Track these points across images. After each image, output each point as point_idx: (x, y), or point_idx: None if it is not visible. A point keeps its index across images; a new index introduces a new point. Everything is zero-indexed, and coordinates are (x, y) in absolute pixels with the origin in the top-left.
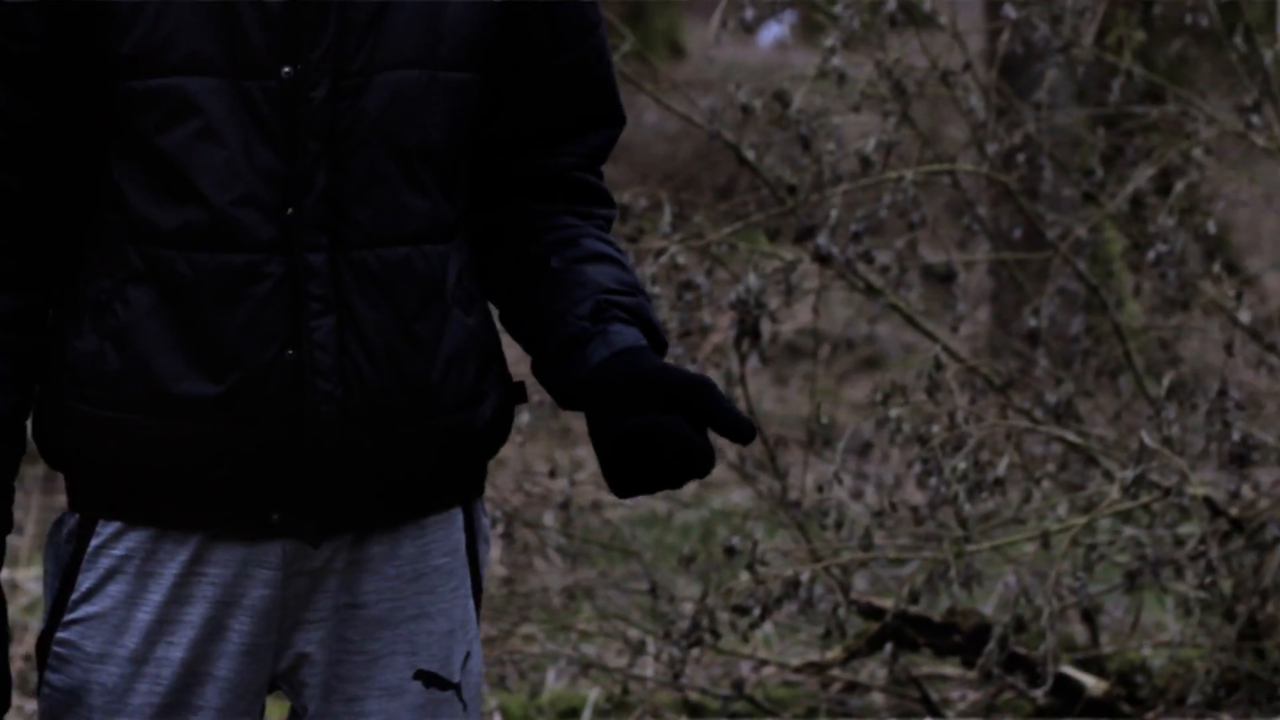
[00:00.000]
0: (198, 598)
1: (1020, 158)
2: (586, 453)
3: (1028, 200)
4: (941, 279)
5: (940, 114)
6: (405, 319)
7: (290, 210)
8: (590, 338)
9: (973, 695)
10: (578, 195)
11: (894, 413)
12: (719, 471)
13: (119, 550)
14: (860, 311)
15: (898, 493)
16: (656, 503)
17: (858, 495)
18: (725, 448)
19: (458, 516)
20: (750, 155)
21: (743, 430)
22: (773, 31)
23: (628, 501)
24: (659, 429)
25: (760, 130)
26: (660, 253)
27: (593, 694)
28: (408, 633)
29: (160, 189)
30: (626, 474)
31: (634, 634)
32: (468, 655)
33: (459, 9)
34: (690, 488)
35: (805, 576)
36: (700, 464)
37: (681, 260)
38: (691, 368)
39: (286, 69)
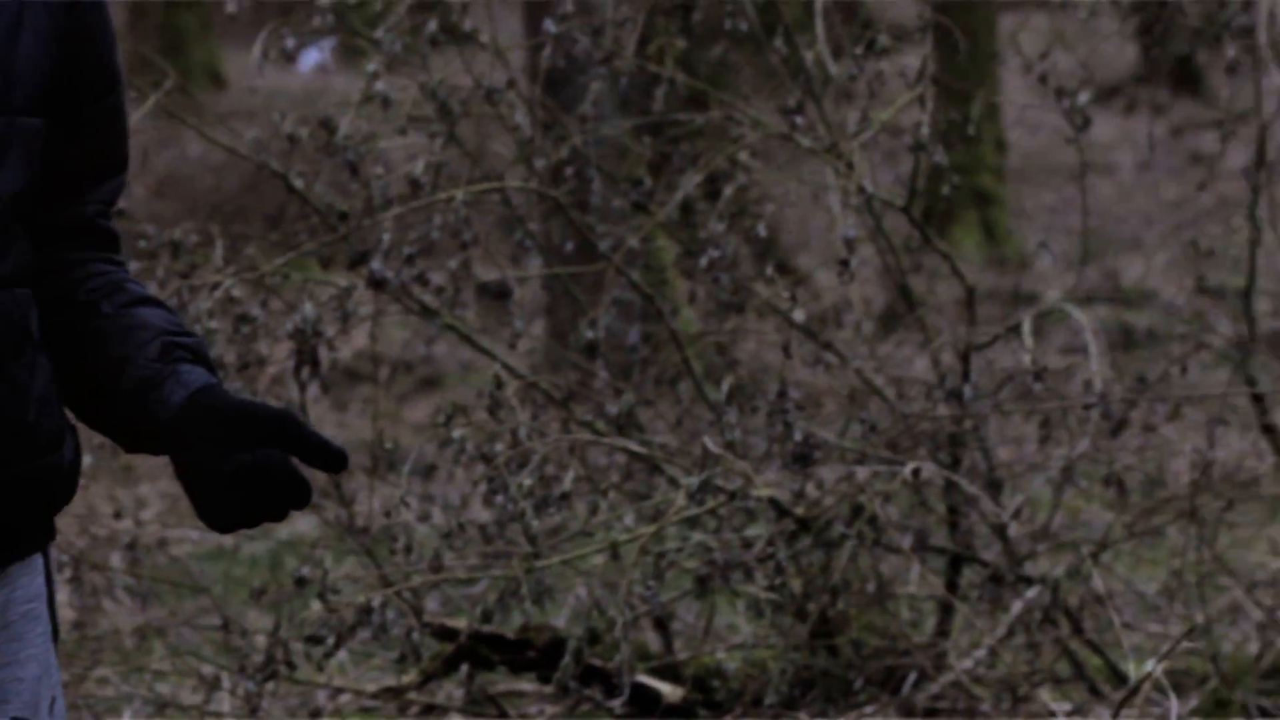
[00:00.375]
0: None
1: (569, 171)
2: (149, 491)
3: (578, 213)
4: (496, 295)
5: (487, 131)
6: (1, 362)
7: None
8: (163, 379)
9: (551, 709)
10: (104, 242)
11: (457, 433)
12: None
13: None
14: (417, 333)
15: (465, 512)
16: (222, 537)
17: (425, 517)
18: None
19: (39, 560)
20: (299, 184)
21: (335, 459)
22: (313, 58)
23: (194, 536)
24: (265, 464)
25: (308, 158)
26: (215, 287)
27: None
28: (0, 682)
29: None
30: (228, 510)
31: (208, 670)
32: (54, 700)
33: (28, 53)
34: None
35: (377, 602)
36: (302, 495)
37: (236, 293)
38: None
39: None
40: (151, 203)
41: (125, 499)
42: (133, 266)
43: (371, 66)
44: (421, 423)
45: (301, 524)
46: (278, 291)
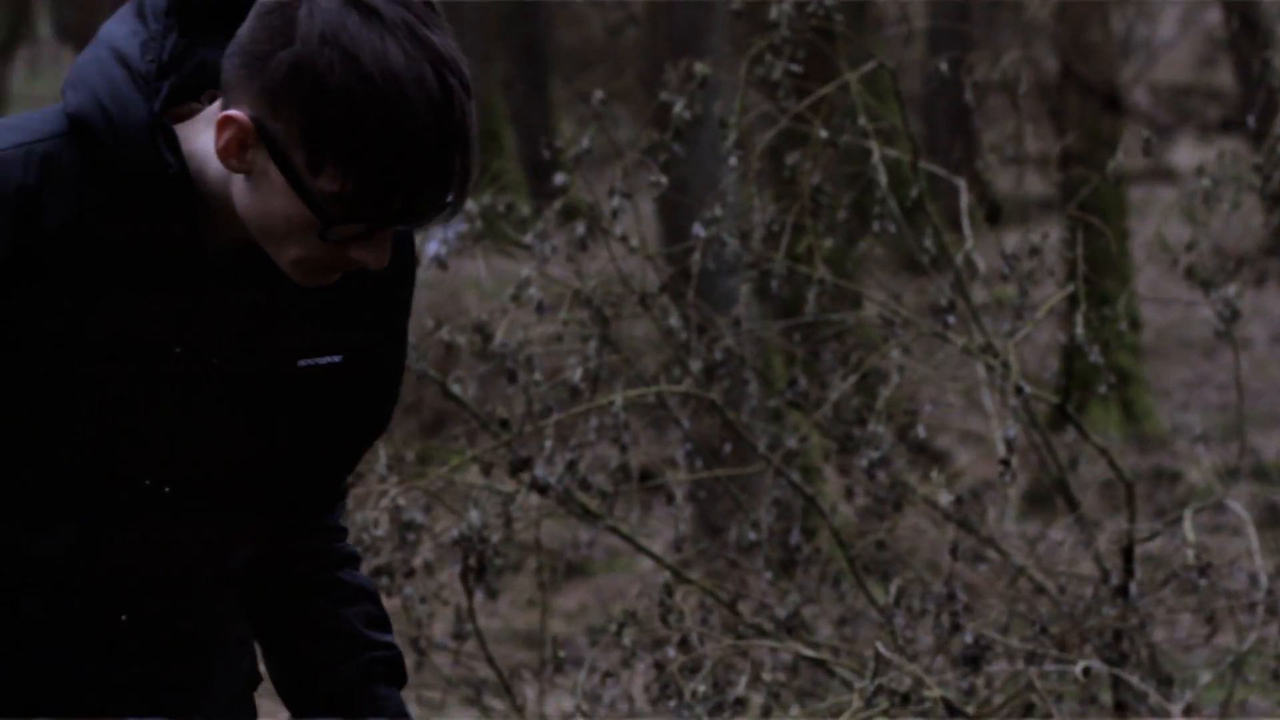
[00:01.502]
0: None
1: (722, 372)
2: None
3: (734, 413)
4: (648, 488)
5: (634, 329)
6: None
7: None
8: (358, 701)
9: None
10: (330, 505)
11: (628, 640)
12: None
13: None
14: (575, 530)
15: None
16: None
17: None
18: None
19: None
20: (456, 389)
21: None
22: (433, 247)
23: None
24: None
25: (462, 361)
26: (382, 496)
27: None
28: None
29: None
30: None
31: None
32: None
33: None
34: None
35: None
36: None
37: (401, 501)
38: (421, 607)
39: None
40: None
41: None
42: None
43: (525, 271)
44: (572, 611)
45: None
46: (441, 498)
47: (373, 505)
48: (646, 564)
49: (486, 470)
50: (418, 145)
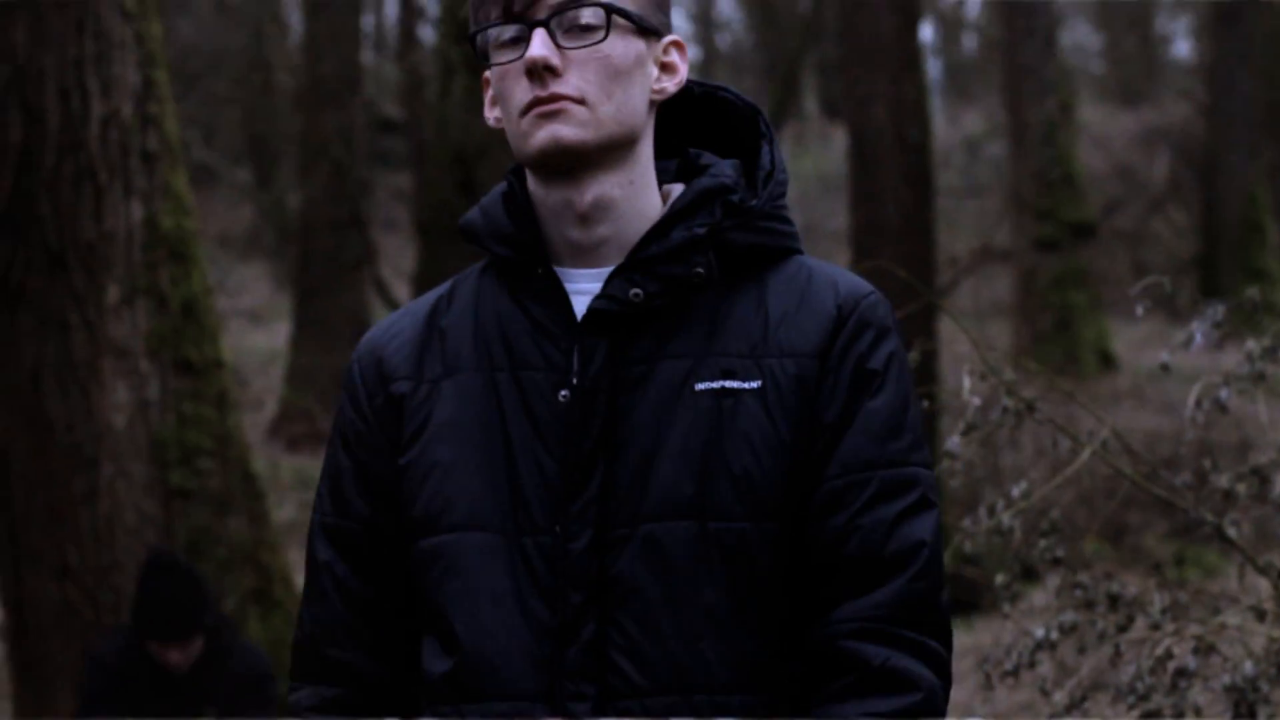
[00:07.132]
0: None
1: None
2: None
3: None
4: None
5: None
6: None
7: (555, 661)
8: None
9: None
10: (860, 678)
11: None
12: None
13: None
14: None
15: None
16: None
17: None
18: None
19: None
20: (1232, 532)
21: None
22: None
23: None
24: None
25: (1239, 504)
26: (1154, 645)
27: None
28: None
29: (438, 641)
30: None
31: None
32: None
33: (738, 453)
34: None
35: None
36: None
37: (1176, 650)
38: None
39: (558, 526)
40: None
41: None
42: (1066, 617)
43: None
44: None
45: None
46: (1214, 645)
47: (1146, 654)
48: None
49: (1261, 617)
50: None
